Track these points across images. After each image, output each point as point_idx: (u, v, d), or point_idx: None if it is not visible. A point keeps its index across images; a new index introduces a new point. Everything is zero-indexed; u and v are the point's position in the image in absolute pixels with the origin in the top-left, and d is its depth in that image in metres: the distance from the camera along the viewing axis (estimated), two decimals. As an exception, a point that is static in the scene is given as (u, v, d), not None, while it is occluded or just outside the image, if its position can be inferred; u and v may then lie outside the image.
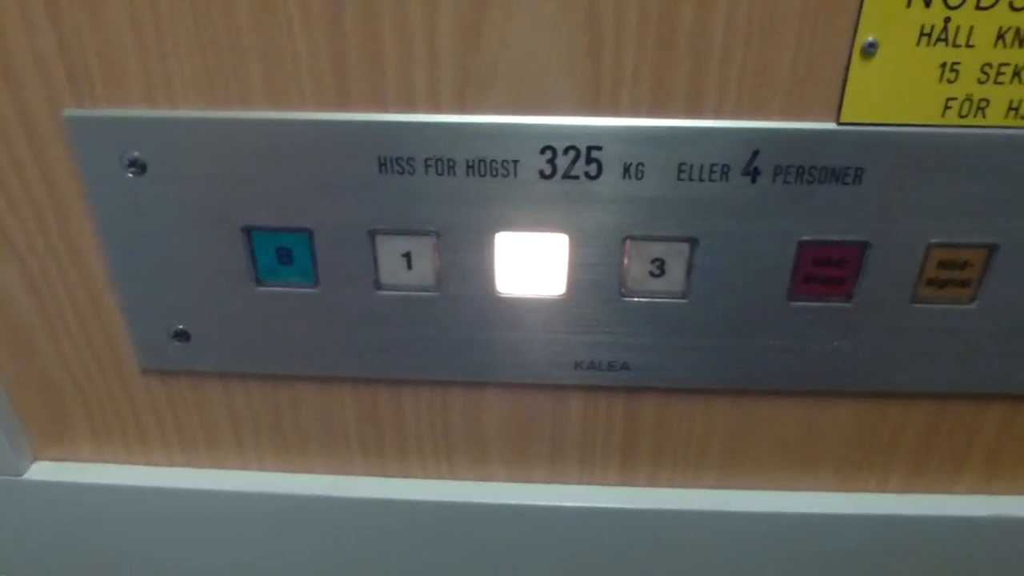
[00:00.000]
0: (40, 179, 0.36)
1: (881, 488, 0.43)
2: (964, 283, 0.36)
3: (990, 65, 0.31)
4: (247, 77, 0.33)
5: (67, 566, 0.49)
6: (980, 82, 0.32)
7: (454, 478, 0.44)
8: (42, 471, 0.45)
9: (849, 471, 0.43)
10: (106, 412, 0.43)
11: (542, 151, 0.34)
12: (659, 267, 0.36)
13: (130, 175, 0.35)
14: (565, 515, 0.43)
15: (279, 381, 0.41)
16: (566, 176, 0.34)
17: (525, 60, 0.32)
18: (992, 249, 0.35)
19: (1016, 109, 0.32)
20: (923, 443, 0.42)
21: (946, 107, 0.32)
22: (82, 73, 0.34)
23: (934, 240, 0.35)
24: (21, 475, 0.45)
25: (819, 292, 0.37)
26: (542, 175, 0.34)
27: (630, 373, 0.39)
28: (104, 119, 0.34)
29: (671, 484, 0.44)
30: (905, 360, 0.38)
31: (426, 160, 0.34)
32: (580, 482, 0.44)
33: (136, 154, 0.35)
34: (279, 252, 0.37)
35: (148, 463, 0.45)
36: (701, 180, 0.34)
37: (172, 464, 0.45)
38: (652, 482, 0.44)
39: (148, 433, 0.44)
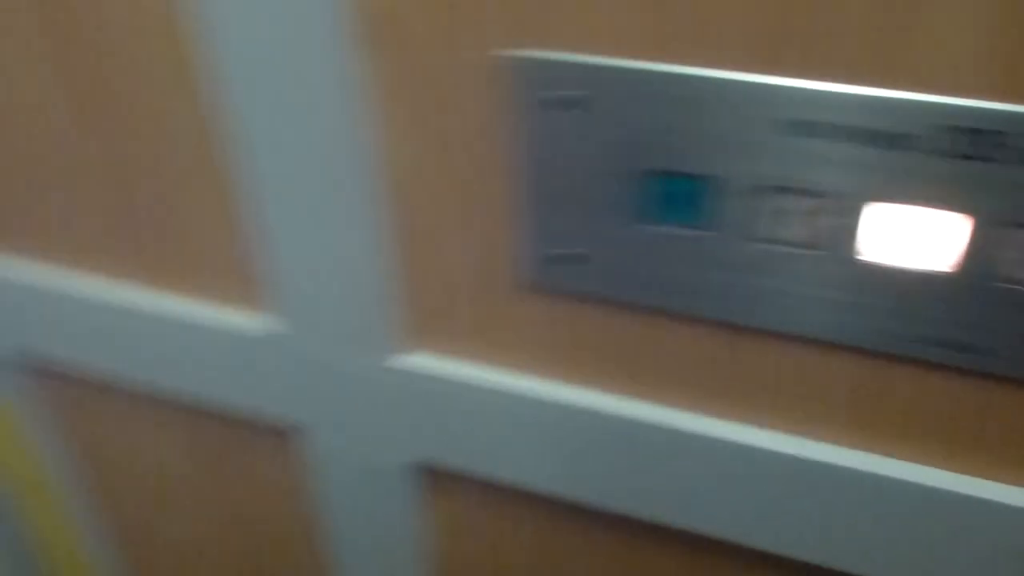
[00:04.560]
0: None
1: None
2: None
3: None
4: (680, 33, 0.38)
5: (425, 453, 0.57)
6: None
7: (774, 428, 0.48)
8: (409, 363, 0.53)
9: None
10: (480, 318, 0.50)
11: (945, 130, 0.36)
12: (1045, 258, 0.37)
13: (555, 112, 0.41)
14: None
15: (644, 314, 0.46)
16: (967, 157, 0.36)
17: (942, 39, 0.34)
18: None
19: None
20: None
21: None
22: (521, 16, 0.39)
23: None
24: (393, 365, 0.53)
25: None
26: (942, 153, 0.36)
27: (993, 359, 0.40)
28: (536, 61, 0.40)
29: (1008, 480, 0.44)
30: None
31: (833, 127, 0.37)
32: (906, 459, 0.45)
33: (562, 94, 0.41)
34: (677, 196, 0.41)
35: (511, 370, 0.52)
36: (1111, 172, 0.35)
37: (531, 375, 0.52)
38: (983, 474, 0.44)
39: (517, 344, 0.50)
